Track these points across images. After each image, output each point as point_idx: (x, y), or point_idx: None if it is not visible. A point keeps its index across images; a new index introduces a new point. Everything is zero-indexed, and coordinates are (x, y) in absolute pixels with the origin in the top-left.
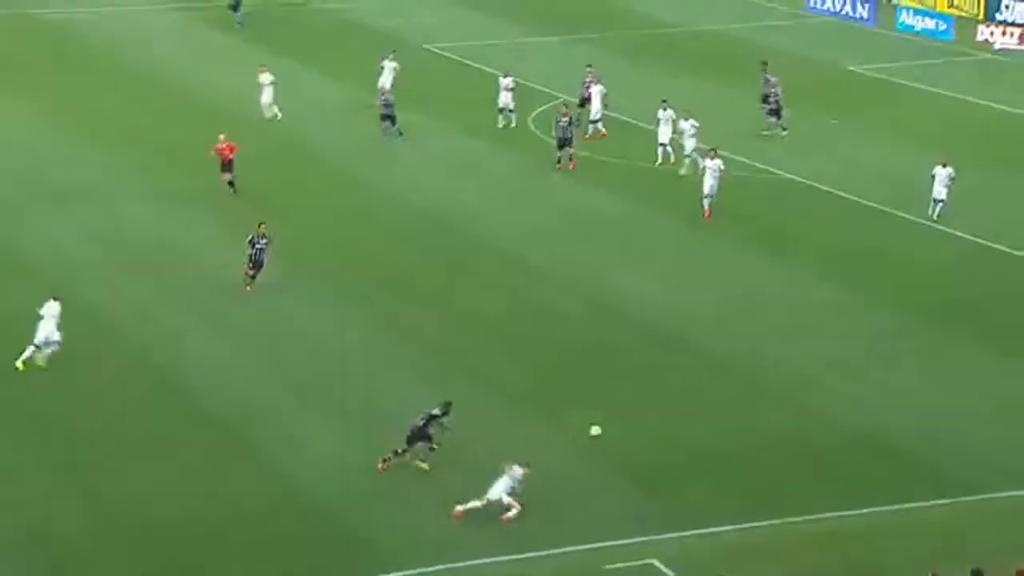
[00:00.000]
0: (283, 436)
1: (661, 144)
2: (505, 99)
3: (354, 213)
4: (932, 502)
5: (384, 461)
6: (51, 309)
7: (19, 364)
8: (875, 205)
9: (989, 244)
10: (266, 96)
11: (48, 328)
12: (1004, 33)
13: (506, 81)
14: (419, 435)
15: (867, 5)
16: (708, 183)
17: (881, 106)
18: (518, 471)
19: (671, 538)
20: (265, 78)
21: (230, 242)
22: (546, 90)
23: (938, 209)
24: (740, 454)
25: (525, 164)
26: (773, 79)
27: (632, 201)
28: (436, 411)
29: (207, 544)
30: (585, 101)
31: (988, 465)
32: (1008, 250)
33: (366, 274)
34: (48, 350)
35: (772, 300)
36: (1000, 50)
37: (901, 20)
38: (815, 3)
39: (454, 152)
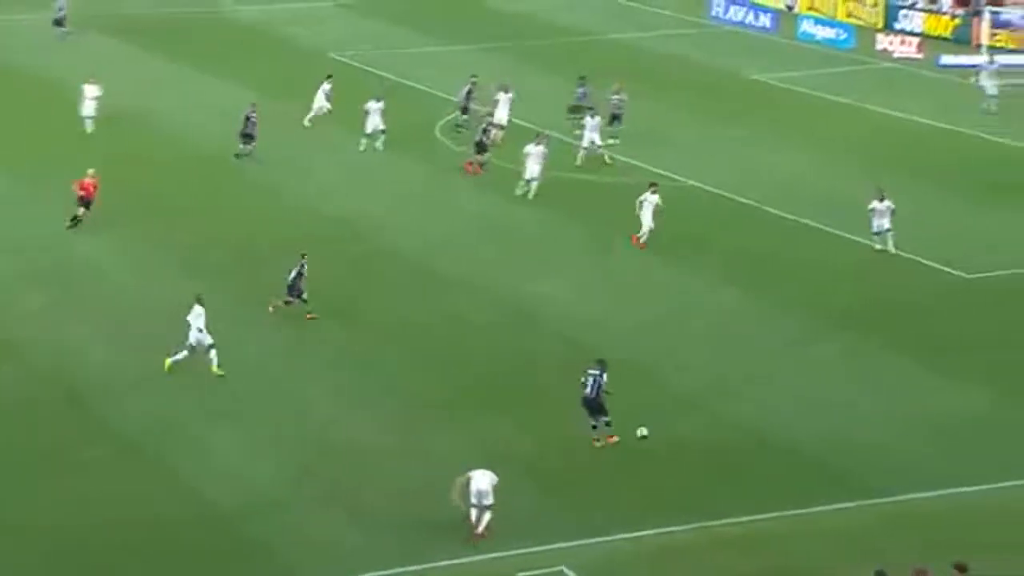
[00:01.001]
0: (190, 449)
1: (586, 147)
2: (375, 122)
3: (261, 222)
4: (841, 505)
5: (597, 440)
6: (196, 312)
7: (168, 364)
8: (778, 212)
9: (887, 249)
10: (87, 109)
11: (198, 332)
12: (903, 42)
13: (377, 105)
14: (597, 406)
15: (769, 15)
16: (646, 215)
17: (783, 114)
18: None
19: (582, 544)
20: (90, 91)
21: (134, 254)
22: (453, 99)
23: (890, 240)
24: (652, 460)
25: (434, 173)
26: (618, 91)
27: (543, 209)
28: (596, 371)
29: (114, 559)
30: (466, 109)
31: (893, 469)
32: (909, 255)
33: (274, 284)
34: (211, 353)
35: (682, 307)
36: (900, 59)
37: (803, 29)
38: (718, 13)
39: (362, 161)
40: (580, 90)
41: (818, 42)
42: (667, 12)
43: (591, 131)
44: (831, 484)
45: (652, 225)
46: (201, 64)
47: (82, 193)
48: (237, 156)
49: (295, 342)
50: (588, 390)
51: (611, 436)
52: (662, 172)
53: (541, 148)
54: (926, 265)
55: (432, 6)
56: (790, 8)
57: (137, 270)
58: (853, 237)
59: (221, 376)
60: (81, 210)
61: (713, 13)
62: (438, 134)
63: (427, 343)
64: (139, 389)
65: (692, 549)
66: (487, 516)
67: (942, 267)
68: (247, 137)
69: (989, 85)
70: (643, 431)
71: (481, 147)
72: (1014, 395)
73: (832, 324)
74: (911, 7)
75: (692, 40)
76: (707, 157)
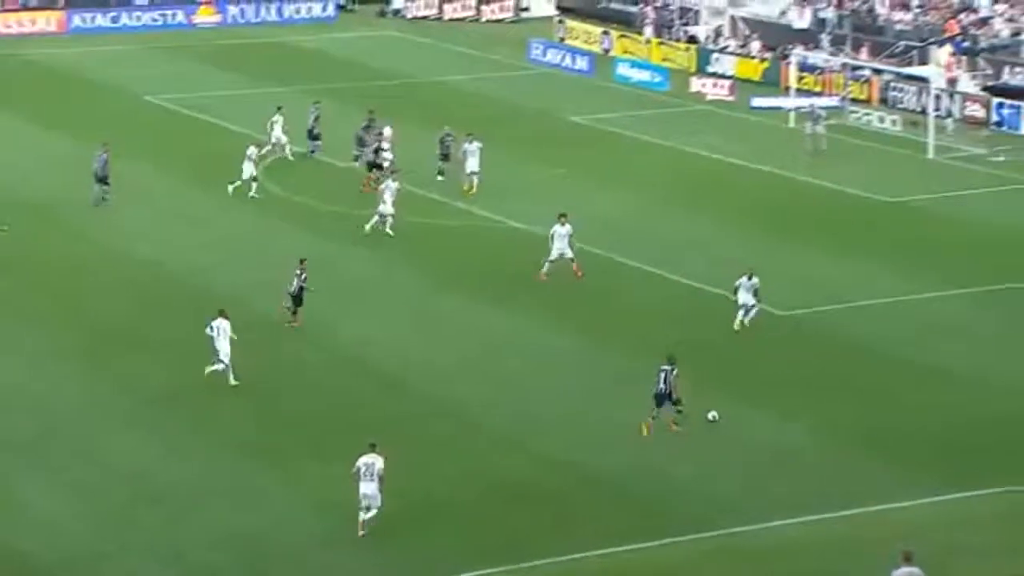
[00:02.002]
0: (1, 500)
1: (469, 173)
2: (249, 168)
3: (78, 267)
4: (663, 540)
5: (647, 425)
6: (221, 326)
7: (207, 372)
8: (598, 251)
9: (705, 288)
10: None
11: (223, 345)
12: (715, 85)
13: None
14: (666, 396)
15: (586, 58)
16: (556, 247)
17: (602, 155)
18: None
19: None
20: None
21: None
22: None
23: (751, 314)
24: (474, 502)
25: (258, 215)
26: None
27: (370, 250)
28: (667, 366)
29: None
30: (315, 134)
31: (713, 503)
32: (726, 293)
33: (90, 329)
34: (215, 367)
35: (506, 347)
36: (713, 100)
37: (619, 72)
38: (536, 55)
39: (181, 205)
40: (365, 122)
41: (634, 84)
42: (479, 53)
43: (472, 156)
44: (652, 520)
45: (553, 257)
46: (9, 108)
47: None
48: (98, 202)
49: (115, 386)
50: (660, 384)
51: (674, 423)
52: (483, 213)
53: (395, 184)
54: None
55: (249, 50)
56: (606, 51)
57: None
58: (670, 276)
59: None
60: None
61: (532, 56)
62: (260, 177)
63: (249, 385)
64: None
65: None
66: (371, 514)
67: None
68: (102, 179)
69: (809, 126)
70: (714, 414)
71: (373, 166)
72: (827, 429)
73: (650, 362)
74: (722, 51)
75: (511, 83)
76: (527, 198)
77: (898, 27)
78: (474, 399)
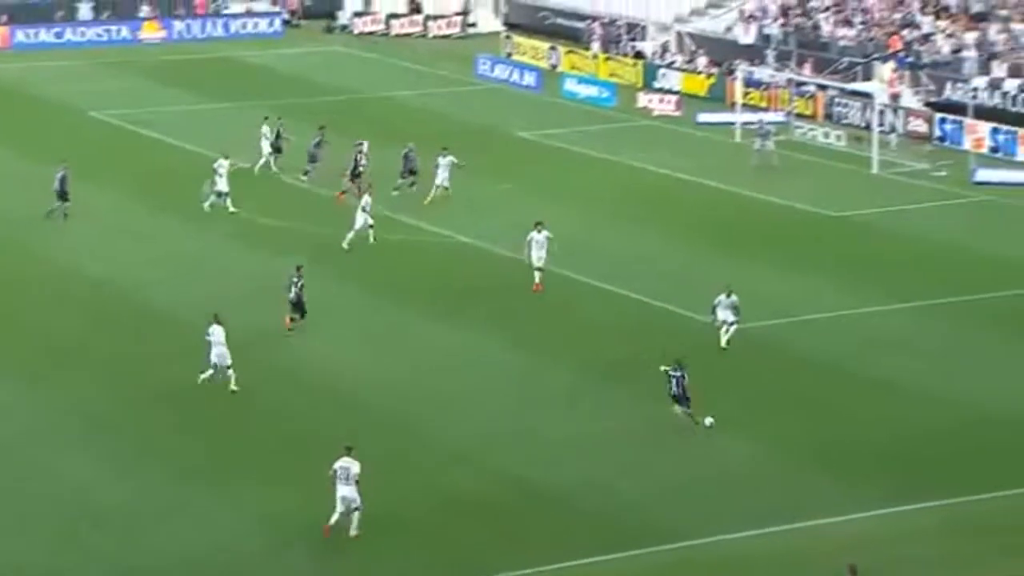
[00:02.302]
0: None
1: (437, 185)
2: (221, 183)
3: (22, 283)
4: (615, 555)
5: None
6: (216, 332)
7: (200, 381)
8: (549, 267)
9: (653, 303)
10: None
11: (219, 350)
12: (662, 100)
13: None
14: (683, 399)
15: (534, 73)
16: (536, 255)
17: (549, 171)
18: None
19: None
20: None
21: None
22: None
23: (730, 331)
24: (426, 517)
25: (202, 232)
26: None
27: (318, 267)
28: (675, 371)
29: None
30: (279, 148)
31: (665, 517)
32: (673, 308)
33: (35, 346)
34: (230, 372)
35: (455, 362)
36: (659, 116)
37: (566, 88)
38: (484, 71)
39: (127, 221)
40: (316, 138)
41: (581, 100)
42: (426, 69)
43: (443, 169)
44: (604, 534)
45: (535, 263)
46: None
47: None
48: (48, 214)
49: (54, 402)
50: (674, 388)
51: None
52: (432, 228)
53: (370, 200)
54: (688, 318)
55: (194, 65)
56: (554, 67)
57: None
58: (618, 291)
59: (235, 392)
60: None
61: (479, 71)
62: (208, 192)
63: (193, 405)
64: None
65: None
66: (356, 516)
67: (702, 319)
68: (62, 195)
69: (758, 142)
70: (710, 420)
71: (355, 175)
72: (773, 442)
73: (599, 376)
74: (669, 66)
75: (458, 98)
76: (475, 213)
77: (842, 43)
78: (424, 414)
